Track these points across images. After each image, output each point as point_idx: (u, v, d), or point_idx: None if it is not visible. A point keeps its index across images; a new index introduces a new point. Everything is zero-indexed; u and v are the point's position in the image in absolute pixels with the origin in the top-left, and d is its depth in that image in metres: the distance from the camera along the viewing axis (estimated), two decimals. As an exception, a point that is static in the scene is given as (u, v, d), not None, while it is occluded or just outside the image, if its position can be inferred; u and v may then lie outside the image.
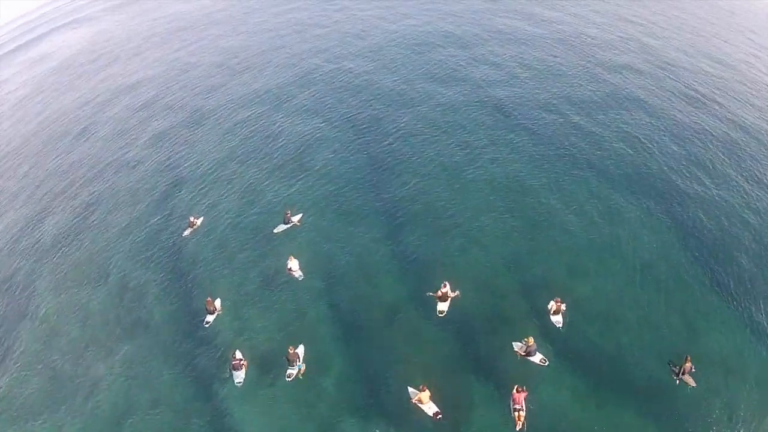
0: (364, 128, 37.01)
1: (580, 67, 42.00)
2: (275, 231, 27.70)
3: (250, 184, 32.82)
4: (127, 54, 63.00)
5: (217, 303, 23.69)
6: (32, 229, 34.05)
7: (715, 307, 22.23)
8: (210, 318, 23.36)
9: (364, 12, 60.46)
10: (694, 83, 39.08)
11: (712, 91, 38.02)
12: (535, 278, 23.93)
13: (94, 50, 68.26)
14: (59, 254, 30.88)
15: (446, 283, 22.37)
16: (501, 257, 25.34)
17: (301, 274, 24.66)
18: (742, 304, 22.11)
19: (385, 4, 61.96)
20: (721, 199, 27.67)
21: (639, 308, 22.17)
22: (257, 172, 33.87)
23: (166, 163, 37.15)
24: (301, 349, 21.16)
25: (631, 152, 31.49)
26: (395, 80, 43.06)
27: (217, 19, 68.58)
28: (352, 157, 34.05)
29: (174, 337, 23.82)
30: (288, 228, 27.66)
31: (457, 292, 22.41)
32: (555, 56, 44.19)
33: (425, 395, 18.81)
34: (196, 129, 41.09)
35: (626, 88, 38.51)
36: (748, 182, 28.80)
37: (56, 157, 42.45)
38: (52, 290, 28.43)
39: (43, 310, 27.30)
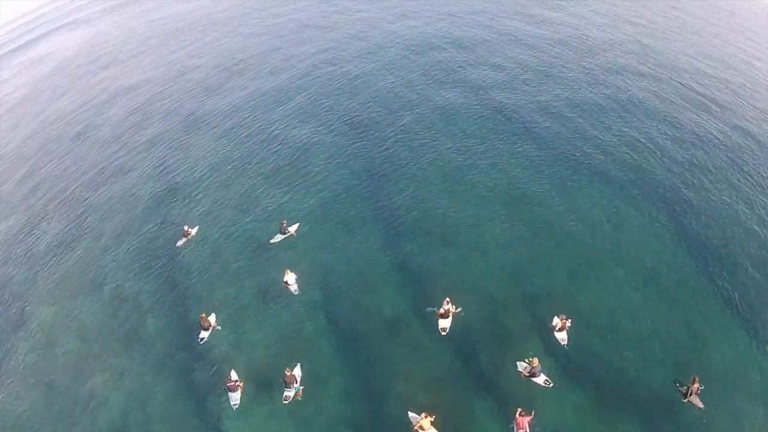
0: (362, 132, 36.50)
1: (582, 69, 41.49)
2: (272, 241, 27.19)
3: (246, 190, 32.30)
4: (125, 56, 62.42)
5: (212, 318, 23.20)
6: (26, 235, 33.62)
7: (720, 318, 21.76)
8: (204, 334, 22.86)
9: (362, 13, 59.88)
10: (697, 86, 38.59)
11: (714, 93, 37.59)
12: (537, 289, 23.42)
13: (92, 52, 67.65)
14: (53, 262, 30.40)
15: (448, 299, 21.79)
16: (503, 266, 24.83)
17: (296, 288, 24.08)
18: (747, 316, 21.63)
19: (385, 4, 61.40)
20: (724, 205, 27.23)
21: (644, 320, 21.66)
22: (252, 178, 33.36)
23: (161, 168, 36.65)
24: (298, 370, 20.59)
25: (636, 157, 31.02)
26: (393, 82, 42.55)
27: (215, 20, 67.99)
28: (349, 162, 33.51)
29: (169, 351, 23.30)
30: (284, 238, 27.16)
31: (459, 309, 21.85)
32: (556, 58, 43.67)
33: (427, 422, 18.07)
34: (192, 133, 40.58)
35: (628, 91, 38.01)
36: (752, 189, 28.31)
37: (51, 161, 42.01)
38: (46, 300, 27.95)
39: (37, 321, 26.84)
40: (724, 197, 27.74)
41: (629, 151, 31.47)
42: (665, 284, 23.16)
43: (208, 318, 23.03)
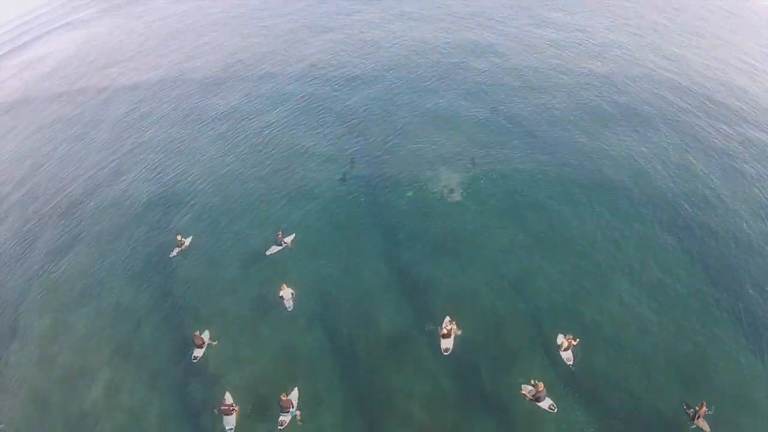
0: (359, 135, 36.08)
1: (582, 72, 40.96)
2: (268, 253, 26.64)
3: (241, 196, 31.84)
4: (123, 57, 61.97)
5: (205, 336, 22.61)
6: (21, 240, 33.18)
7: (727, 333, 21.10)
8: (198, 352, 22.27)
9: (361, 14, 59.36)
10: (699, 88, 37.98)
11: (715, 95, 36.99)
12: (541, 302, 22.87)
13: (90, 53, 67.18)
14: (47, 269, 29.94)
15: (449, 318, 21.23)
16: (504, 277, 24.28)
17: (292, 304, 23.49)
18: (753, 330, 21.06)
19: (385, 4, 60.78)
20: (729, 213, 26.63)
21: (649, 336, 21.08)
22: (248, 183, 32.96)
23: (156, 172, 36.25)
24: (294, 394, 19.94)
25: (639, 162, 30.47)
26: (392, 84, 42.13)
27: (214, 21, 67.61)
28: (346, 167, 32.98)
29: (163, 367, 22.79)
30: (280, 249, 26.64)
31: (461, 331, 21.21)
32: (556, 59, 43.13)
33: None
34: (188, 135, 40.26)
35: (629, 93, 37.50)
36: (756, 196, 27.77)
37: (48, 163, 41.63)
38: (40, 309, 27.47)
39: (31, 332, 26.37)
40: (728, 205, 27.16)
41: (632, 157, 30.93)
42: (670, 297, 22.58)
43: (202, 335, 22.49)
